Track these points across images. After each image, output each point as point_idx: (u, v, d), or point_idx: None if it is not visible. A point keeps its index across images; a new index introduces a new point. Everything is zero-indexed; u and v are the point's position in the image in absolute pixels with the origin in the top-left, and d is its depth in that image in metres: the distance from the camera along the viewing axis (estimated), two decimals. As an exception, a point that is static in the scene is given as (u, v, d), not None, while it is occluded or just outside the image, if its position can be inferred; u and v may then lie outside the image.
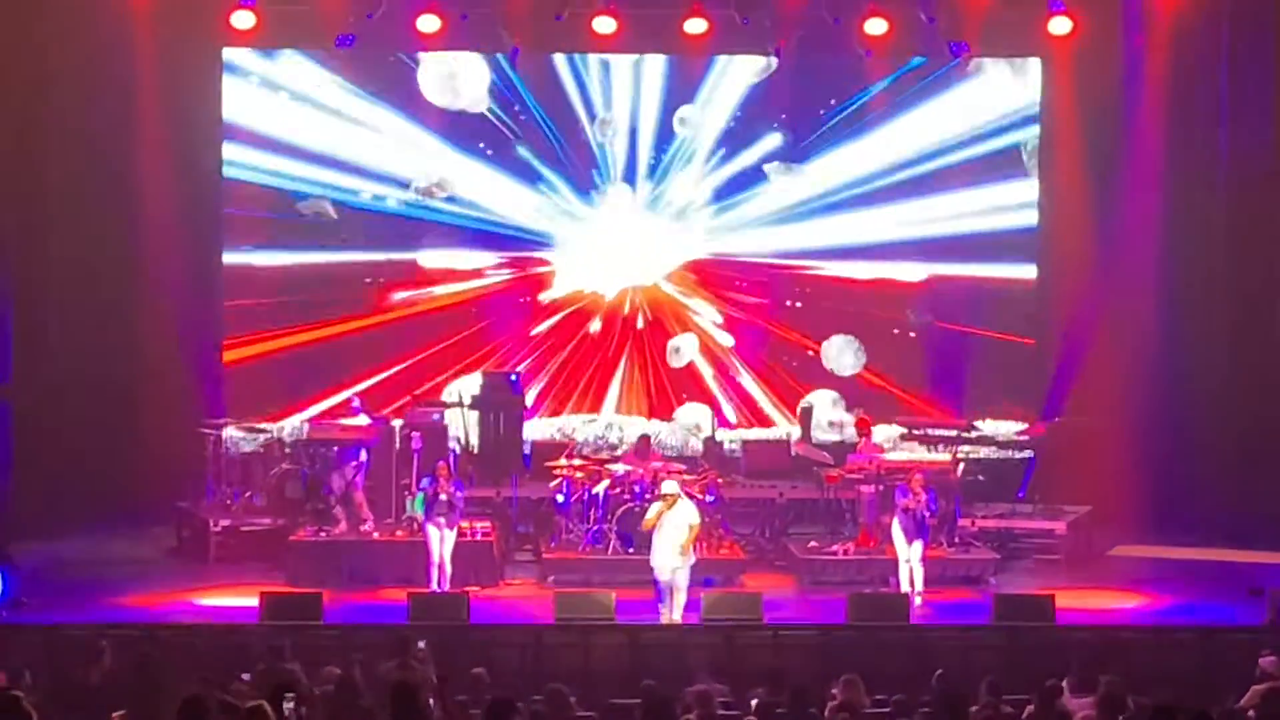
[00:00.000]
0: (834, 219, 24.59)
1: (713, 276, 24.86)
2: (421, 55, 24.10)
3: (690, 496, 18.55)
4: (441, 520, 18.64)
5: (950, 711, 11.31)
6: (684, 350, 24.73)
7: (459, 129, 24.41)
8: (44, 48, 21.97)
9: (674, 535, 17.44)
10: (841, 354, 24.51)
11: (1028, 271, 24.51)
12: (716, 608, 17.22)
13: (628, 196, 24.65)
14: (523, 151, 24.43)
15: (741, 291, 24.82)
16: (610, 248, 24.72)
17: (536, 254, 24.70)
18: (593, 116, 24.48)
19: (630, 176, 24.64)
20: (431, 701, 12.37)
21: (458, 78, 24.28)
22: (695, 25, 22.56)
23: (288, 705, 10.18)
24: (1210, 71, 23.02)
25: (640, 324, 24.78)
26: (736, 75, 24.44)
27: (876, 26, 22.50)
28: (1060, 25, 22.62)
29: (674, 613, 17.41)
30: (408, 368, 24.13)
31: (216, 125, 23.87)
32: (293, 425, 23.34)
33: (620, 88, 24.47)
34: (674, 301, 24.81)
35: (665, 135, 24.59)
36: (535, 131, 24.43)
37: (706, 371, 24.83)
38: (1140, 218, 23.31)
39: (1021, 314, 24.40)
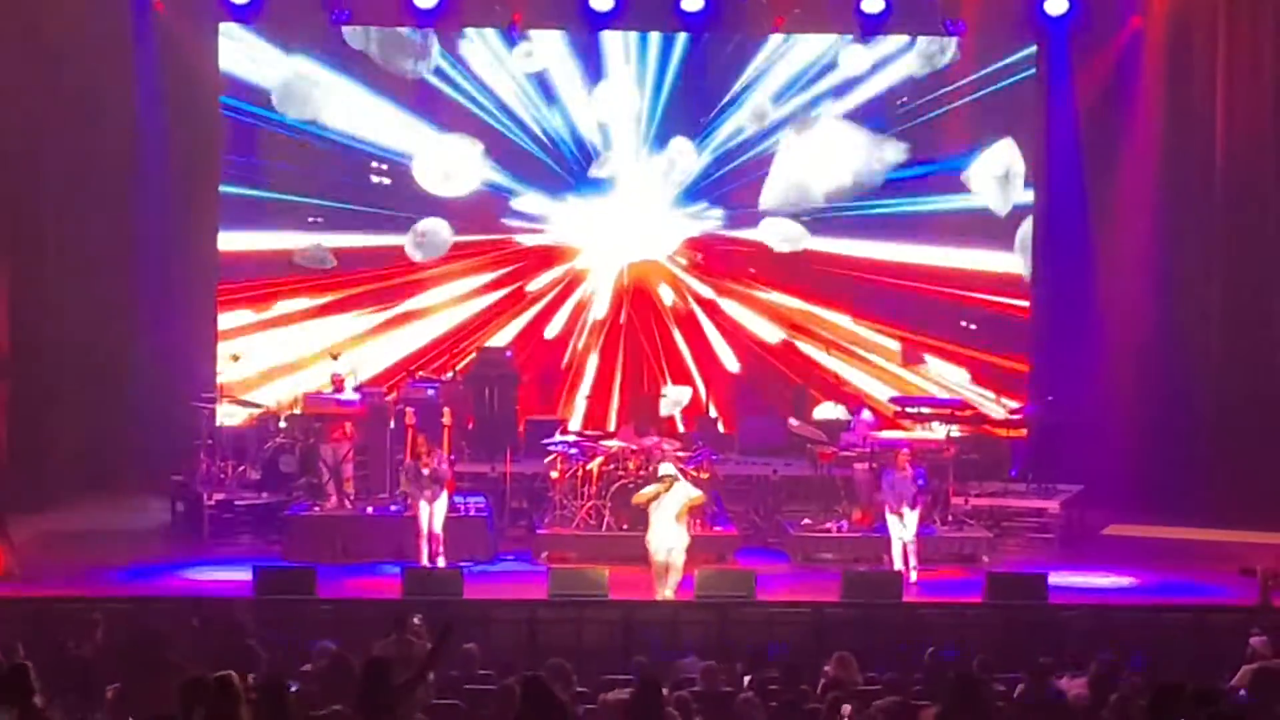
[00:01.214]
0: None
1: (714, 260, 24.77)
2: (418, 152, 23.97)
3: (686, 476, 18.53)
4: (427, 493, 18.65)
5: (967, 699, 11.05)
6: (678, 401, 24.58)
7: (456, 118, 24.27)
8: (44, 23, 21.88)
9: (671, 515, 17.49)
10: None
11: (1021, 253, 24.43)
12: (710, 585, 17.25)
13: (625, 176, 24.57)
14: (515, 133, 24.34)
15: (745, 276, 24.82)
16: (609, 228, 24.62)
17: (529, 235, 24.65)
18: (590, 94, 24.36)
19: (626, 158, 24.53)
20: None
21: (453, 178, 24.12)
22: (692, 2, 22.60)
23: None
24: (1207, 52, 22.96)
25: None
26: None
27: (873, 4, 22.52)
28: (1056, 6, 22.68)
29: (668, 590, 17.44)
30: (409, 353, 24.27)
31: (214, 101, 23.78)
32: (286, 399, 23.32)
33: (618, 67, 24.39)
34: (674, 280, 24.75)
35: (662, 117, 24.38)
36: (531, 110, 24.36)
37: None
38: (1135, 199, 23.32)
39: (1015, 294, 24.37)
